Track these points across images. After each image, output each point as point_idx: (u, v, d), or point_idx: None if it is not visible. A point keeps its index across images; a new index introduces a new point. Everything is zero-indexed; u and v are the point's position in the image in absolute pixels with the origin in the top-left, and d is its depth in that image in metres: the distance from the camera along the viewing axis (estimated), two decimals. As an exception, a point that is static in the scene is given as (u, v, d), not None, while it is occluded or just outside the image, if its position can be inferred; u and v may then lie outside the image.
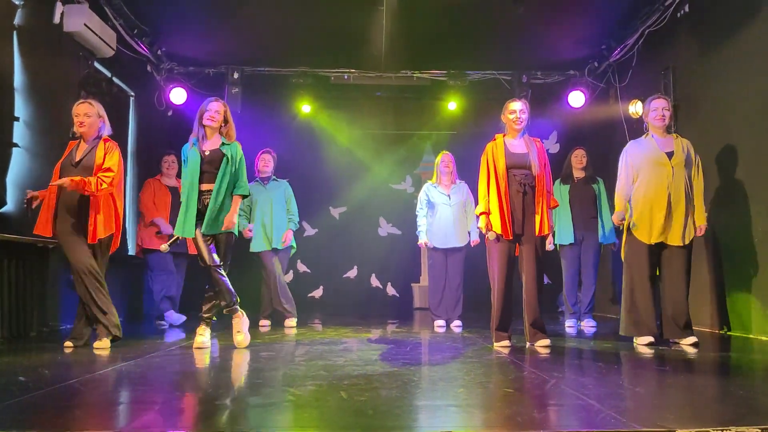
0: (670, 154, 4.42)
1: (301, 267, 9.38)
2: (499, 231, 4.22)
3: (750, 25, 4.99)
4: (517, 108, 4.38)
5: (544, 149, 4.48)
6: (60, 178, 4.19)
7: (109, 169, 4.24)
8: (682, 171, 4.40)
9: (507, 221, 4.21)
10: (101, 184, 4.18)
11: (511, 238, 4.23)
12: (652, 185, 4.40)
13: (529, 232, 4.26)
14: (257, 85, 8.05)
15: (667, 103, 4.55)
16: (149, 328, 5.84)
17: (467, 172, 6.35)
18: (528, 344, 4.28)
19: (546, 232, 4.28)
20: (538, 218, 4.25)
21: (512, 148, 4.36)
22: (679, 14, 6.01)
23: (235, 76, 7.65)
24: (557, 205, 4.52)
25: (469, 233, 6.09)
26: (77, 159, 4.28)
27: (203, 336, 4.30)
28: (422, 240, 6.07)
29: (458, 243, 6.01)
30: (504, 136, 4.46)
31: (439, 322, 5.95)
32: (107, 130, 4.43)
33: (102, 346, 4.15)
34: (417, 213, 6.16)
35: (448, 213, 6.00)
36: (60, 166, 4.29)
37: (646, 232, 4.42)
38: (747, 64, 5.03)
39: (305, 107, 8.59)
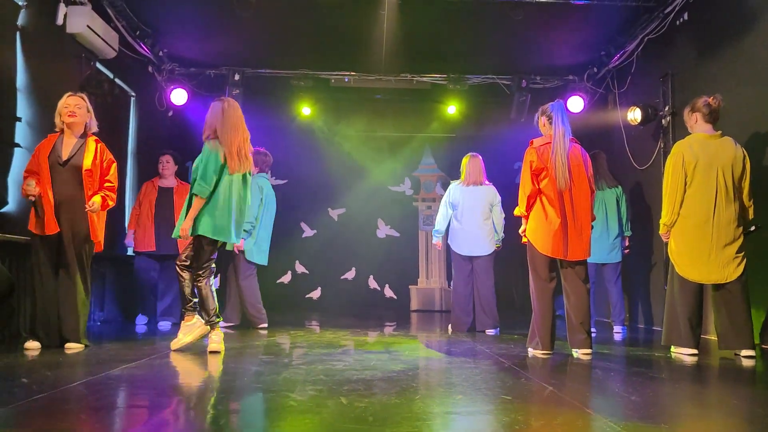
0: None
1: (300, 268, 9.41)
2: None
3: (748, 33, 5.04)
4: None
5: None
6: (50, 175, 4.17)
7: (112, 187, 4.37)
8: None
9: None
10: (108, 201, 4.34)
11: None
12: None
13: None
14: (258, 86, 8.08)
15: None
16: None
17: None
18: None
19: None
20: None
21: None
22: (678, 22, 6.06)
23: (236, 77, 7.66)
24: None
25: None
26: (65, 157, 4.22)
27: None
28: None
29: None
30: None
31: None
32: (94, 127, 4.43)
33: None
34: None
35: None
36: (48, 163, 4.20)
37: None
38: (744, 72, 5.07)
39: (305, 109, 8.63)
